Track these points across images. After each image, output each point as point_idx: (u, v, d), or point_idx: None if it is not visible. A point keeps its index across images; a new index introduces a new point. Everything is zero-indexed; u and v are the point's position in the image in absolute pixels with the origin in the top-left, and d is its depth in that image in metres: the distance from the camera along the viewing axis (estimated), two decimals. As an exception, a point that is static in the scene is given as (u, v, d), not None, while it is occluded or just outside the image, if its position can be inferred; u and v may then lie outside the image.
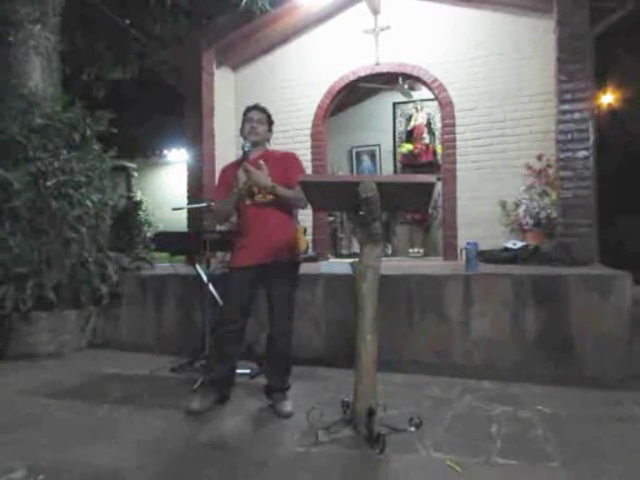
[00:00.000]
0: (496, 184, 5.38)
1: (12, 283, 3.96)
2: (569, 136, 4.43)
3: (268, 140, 2.95)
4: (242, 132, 2.90)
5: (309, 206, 2.70)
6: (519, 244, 4.70)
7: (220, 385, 2.87)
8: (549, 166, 5.05)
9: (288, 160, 2.86)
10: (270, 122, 2.93)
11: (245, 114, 2.89)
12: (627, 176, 8.11)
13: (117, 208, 4.97)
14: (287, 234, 2.83)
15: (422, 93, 7.44)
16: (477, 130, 5.50)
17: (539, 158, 5.14)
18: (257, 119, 2.85)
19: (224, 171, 3.00)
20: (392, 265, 4.70)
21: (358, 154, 8.65)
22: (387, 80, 7.22)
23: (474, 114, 5.51)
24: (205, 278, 3.48)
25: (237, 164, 2.85)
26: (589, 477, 2.04)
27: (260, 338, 3.38)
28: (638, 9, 4.65)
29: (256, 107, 2.90)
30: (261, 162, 2.71)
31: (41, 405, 2.95)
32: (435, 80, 5.68)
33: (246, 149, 2.76)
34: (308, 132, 6.26)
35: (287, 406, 2.75)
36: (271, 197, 2.75)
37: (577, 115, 4.41)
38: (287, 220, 2.85)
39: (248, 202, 2.78)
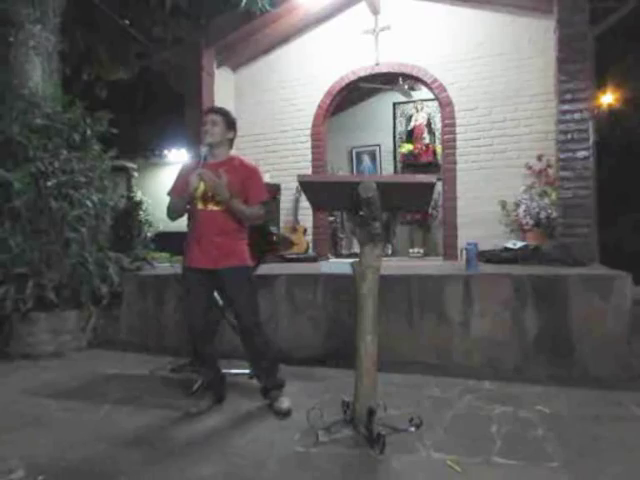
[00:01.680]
0: (496, 184, 5.38)
1: (12, 283, 3.96)
2: (569, 136, 4.44)
3: (231, 140, 2.89)
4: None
5: (309, 206, 2.70)
6: (519, 244, 4.70)
7: (214, 386, 2.89)
8: (549, 166, 5.05)
9: (250, 176, 2.79)
10: (229, 122, 2.84)
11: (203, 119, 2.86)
12: (626, 176, 8.11)
13: (117, 208, 4.97)
14: (234, 242, 2.78)
15: (422, 93, 7.45)
16: (477, 130, 5.51)
17: (539, 158, 5.15)
18: (211, 120, 2.79)
19: (183, 169, 2.93)
20: (392, 265, 4.70)
21: (358, 154, 8.65)
22: (387, 80, 7.23)
23: (474, 114, 5.52)
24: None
25: (195, 164, 2.78)
26: (589, 477, 2.04)
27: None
28: (638, 9, 4.66)
29: (211, 109, 2.88)
30: (221, 172, 2.68)
31: (41, 405, 2.95)
32: (435, 80, 5.68)
33: (203, 153, 2.69)
34: (308, 132, 6.27)
35: (284, 402, 2.75)
36: (221, 206, 2.72)
37: (577, 115, 4.42)
38: (238, 228, 2.79)
39: (200, 206, 2.74)
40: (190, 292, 2.80)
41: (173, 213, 2.87)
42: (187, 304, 2.84)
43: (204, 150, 2.71)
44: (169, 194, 2.88)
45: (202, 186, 2.68)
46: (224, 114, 2.84)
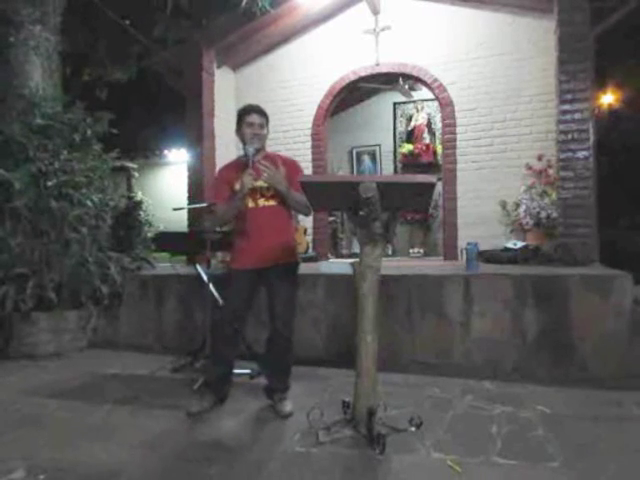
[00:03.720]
0: (496, 184, 5.38)
1: (12, 283, 3.96)
2: (569, 136, 4.43)
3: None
4: (241, 135, 2.79)
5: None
6: (519, 244, 4.70)
7: (218, 386, 2.87)
8: (549, 166, 5.05)
9: (292, 168, 2.81)
10: (268, 122, 2.86)
11: (243, 116, 2.78)
12: (627, 176, 8.11)
13: (117, 208, 4.97)
14: (288, 238, 2.83)
15: (422, 93, 7.45)
16: (477, 130, 5.51)
17: (539, 158, 5.15)
18: (259, 124, 2.76)
19: (223, 172, 2.92)
20: (392, 265, 4.70)
21: (358, 154, 8.66)
22: (387, 80, 7.23)
23: (474, 114, 5.52)
24: (205, 278, 3.48)
25: (237, 166, 2.81)
26: (589, 477, 2.04)
27: (261, 338, 3.37)
28: (638, 9, 4.65)
29: (255, 110, 2.80)
30: (279, 163, 2.72)
31: (41, 405, 2.95)
32: (435, 80, 5.68)
33: (251, 154, 2.67)
34: (308, 132, 6.26)
35: (287, 406, 2.75)
36: (273, 201, 2.74)
37: (577, 115, 4.41)
38: (287, 224, 2.85)
39: (250, 205, 2.74)
40: (233, 292, 2.77)
41: (223, 220, 2.86)
42: (226, 303, 2.83)
43: (251, 151, 2.69)
44: (212, 204, 2.86)
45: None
46: (266, 115, 2.84)
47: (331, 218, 7.23)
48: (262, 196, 2.73)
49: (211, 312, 3.42)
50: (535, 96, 5.26)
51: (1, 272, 3.97)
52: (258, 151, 2.75)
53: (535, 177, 5.17)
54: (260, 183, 2.70)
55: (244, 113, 2.80)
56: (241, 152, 2.87)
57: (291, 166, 2.84)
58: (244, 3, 5.20)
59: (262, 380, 3.00)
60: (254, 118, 2.77)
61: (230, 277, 2.82)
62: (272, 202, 2.74)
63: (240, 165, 2.78)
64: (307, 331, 3.90)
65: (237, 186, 2.70)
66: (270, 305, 2.78)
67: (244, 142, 2.78)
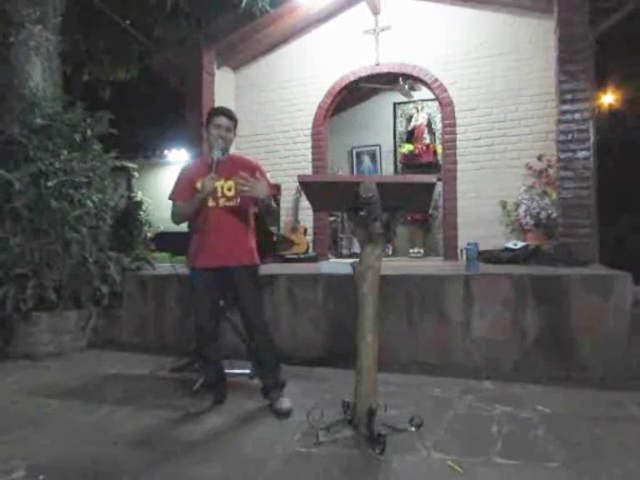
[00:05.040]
0: (497, 184, 5.38)
1: (12, 283, 3.96)
2: (569, 136, 4.44)
3: None
4: (207, 135, 2.81)
5: (309, 206, 2.70)
6: (519, 244, 4.70)
7: (215, 386, 2.89)
8: (549, 166, 5.05)
9: (257, 173, 2.77)
10: (236, 125, 2.87)
11: (212, 117, 2.80)
12: (626, 176, 8.11)
13: (117, 208, 4.96)
14: (247, 238, 2.82)
15: (423, 93, 7.45)
16: (478, 130, 5.51)
17: (539, 158, 5.15)
18: (226, 126, 2.78)
19: (186, 171, 2.93)
20: (392, 265, 4.70)
21: (358, 154, 8.66)
22: (388, 80, 7.23)
23: (475, 114, 5.52)
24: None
25: (203, 165, 2.81)
26: (589, 477, 2.04)
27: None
28: (638, 9, 4.65)
29: (224, 113, 2.82)
30: (257, 174, 2.71)
31: (41, 405, 2.95)
32: (436, 80, 5.68)
33: (216, 157, 2.70)
34: (308, 132, 6.27)
35: (285, 403, 2.75)
36: (234, 202, 2.74)
37: (577, 115, 4.42)
38: (247, 225, 2.83)
39: (211, 204, 2.74)
40: (198, 293, 2.81)
41: (181, 218, 2.86)
42: (196, 305, 2.85)
43: (217, 153, 2.71)
44: (172, 199, 2.87)
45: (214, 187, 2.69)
46: (235, 119, 2.86)
47: (331, 218, 7.23)
48: (223, 196, 2.74)
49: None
50: (535, 96, 5.26)
51: (1, 272, 3.98)
52: (224, 154, 2.76)
53: (535, 177, 5.17)
54: (222, 183, 2.72)
55: (213, 114, 2.82)
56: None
57: (254, 170, 2.80)
58: (244, 3, 5.21)
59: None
60: (222, 121, 2.79)
61: (194, 277, 2.83)
62: (233, 203, 2.75)
63: (205, 164, 2.78)
64: (307, 331, 3.91)
65: (198, 185, 2.70)
66: (239, 306, 2.81)
67: (210, 143, 2.81)
